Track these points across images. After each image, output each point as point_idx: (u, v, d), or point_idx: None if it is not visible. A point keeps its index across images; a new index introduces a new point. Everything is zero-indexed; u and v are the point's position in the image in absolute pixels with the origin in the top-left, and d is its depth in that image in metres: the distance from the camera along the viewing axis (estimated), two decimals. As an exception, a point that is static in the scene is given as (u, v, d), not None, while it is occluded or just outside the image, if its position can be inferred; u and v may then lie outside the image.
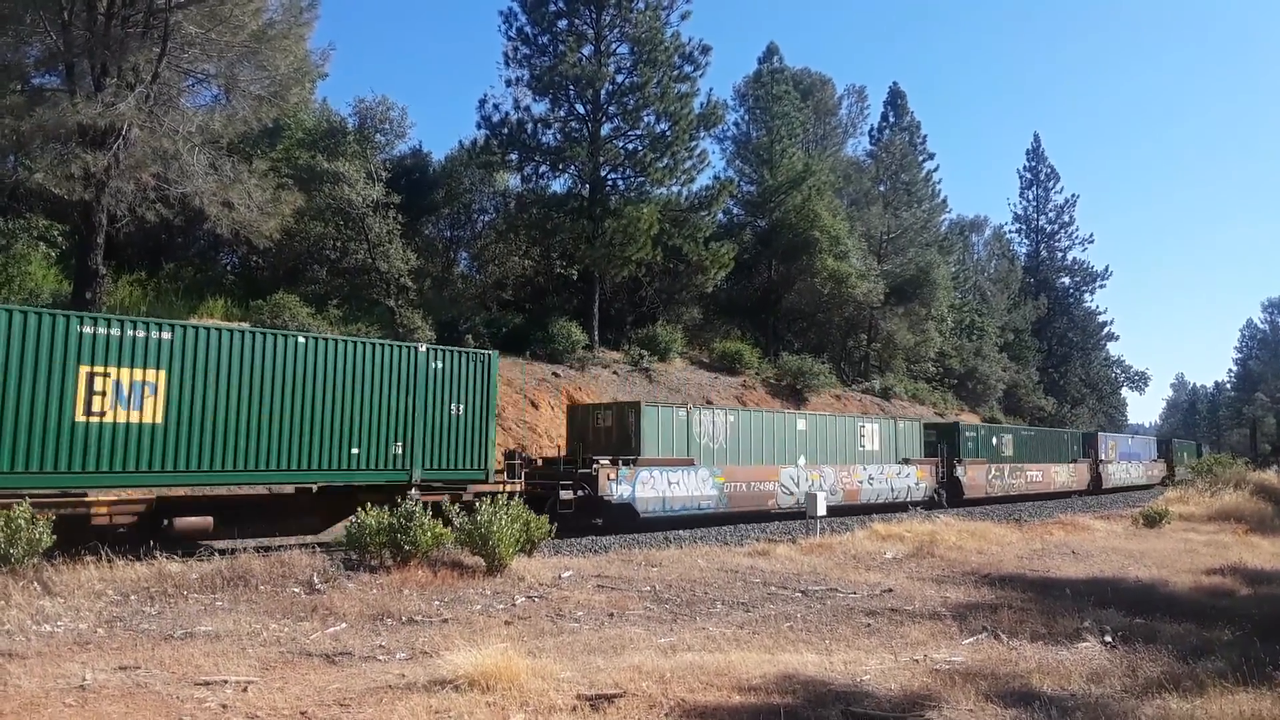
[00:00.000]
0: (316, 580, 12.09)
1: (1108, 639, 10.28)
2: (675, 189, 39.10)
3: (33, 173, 22.71)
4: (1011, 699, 7.53)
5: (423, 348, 15.92)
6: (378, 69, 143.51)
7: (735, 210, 49.11)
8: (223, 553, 13.20)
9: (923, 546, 18.89)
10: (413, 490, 15.54)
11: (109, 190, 21.64)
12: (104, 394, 12.62)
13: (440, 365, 15.93)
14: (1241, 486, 37.04)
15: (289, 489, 15.97)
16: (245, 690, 7.35)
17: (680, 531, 20.91)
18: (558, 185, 39.01)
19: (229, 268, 36.98)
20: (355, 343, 15.17)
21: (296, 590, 11.73)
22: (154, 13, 21.78)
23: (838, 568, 16.30)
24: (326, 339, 15.08)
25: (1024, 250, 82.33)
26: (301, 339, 14.52)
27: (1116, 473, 45.05)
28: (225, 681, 7.59)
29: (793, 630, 10.82)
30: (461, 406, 16.05)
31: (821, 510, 21.18)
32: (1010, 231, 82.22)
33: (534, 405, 30.04)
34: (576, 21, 36.95)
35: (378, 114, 35.11)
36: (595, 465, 20.38)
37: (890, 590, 13.96)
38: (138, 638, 9.29)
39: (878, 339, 52.98)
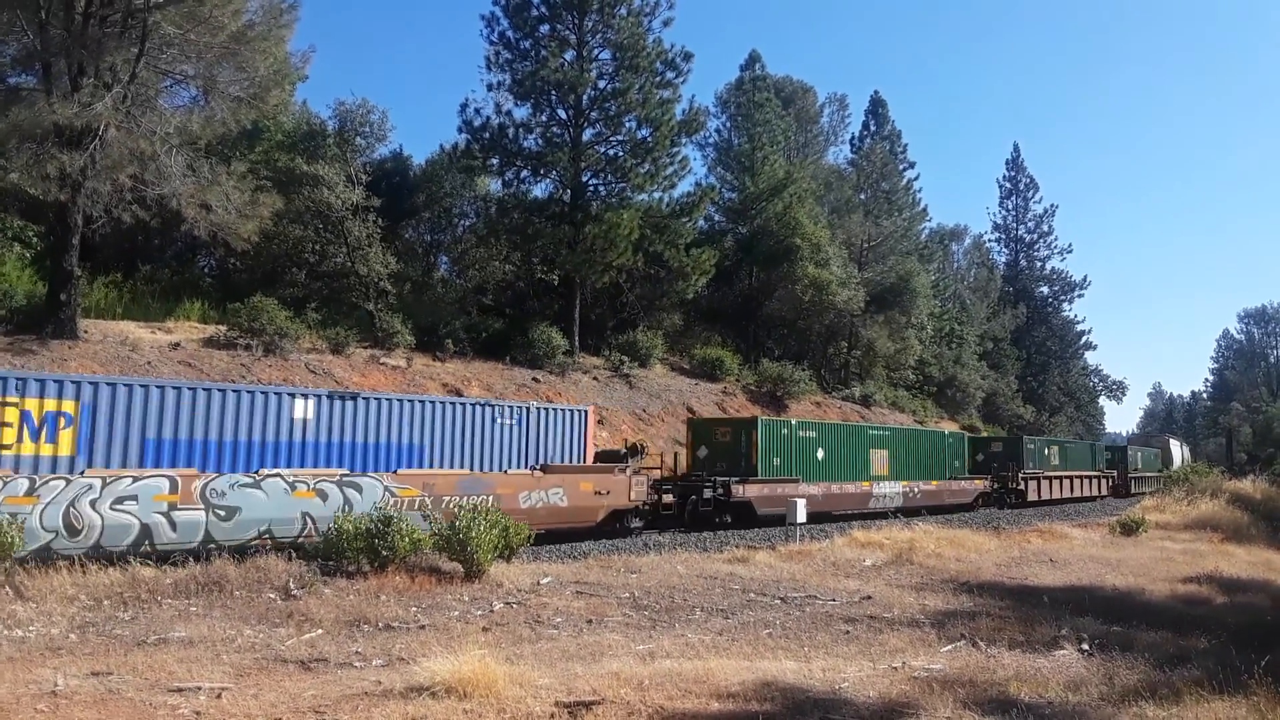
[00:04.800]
0: (293, 586, 11.98)
1: (1085, 647, 10.33)
2: (656, 195, 39.09)
3: (8, 172, 22.45)
4: (989, 707, 7.54)
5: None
6: (359, 72, 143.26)
7: (716, 217, 49.22)
8: (197, 558, 13.08)
9: (901, 554, 18.92)
10: None
11: (85, 191, 21.43)
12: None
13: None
14: (1218, 495, 37.35)
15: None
16: (219, 697, 7.27)
17: (660, 538, 20.89)
18: (539, 190, 38.94)
19: (206, 270, 36.68)
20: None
21: (272, 596, 11.62)
22: (132, 13, 21.62)
23: (817, 575, 16.30)
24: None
25: (1003, 259, 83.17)
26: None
27: None
28: (198, 688, 7.50)
29: (771, 637, 10.81)
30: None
31: (801, 517, 21.21)
32: (990, 240, 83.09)
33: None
34: (559, 27, 36.91)
35: (358, 117, 34.92)
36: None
37: (869, 597, 13.98)
38: (110, 643, 9.18)
39: (858, 346, 53.17)
